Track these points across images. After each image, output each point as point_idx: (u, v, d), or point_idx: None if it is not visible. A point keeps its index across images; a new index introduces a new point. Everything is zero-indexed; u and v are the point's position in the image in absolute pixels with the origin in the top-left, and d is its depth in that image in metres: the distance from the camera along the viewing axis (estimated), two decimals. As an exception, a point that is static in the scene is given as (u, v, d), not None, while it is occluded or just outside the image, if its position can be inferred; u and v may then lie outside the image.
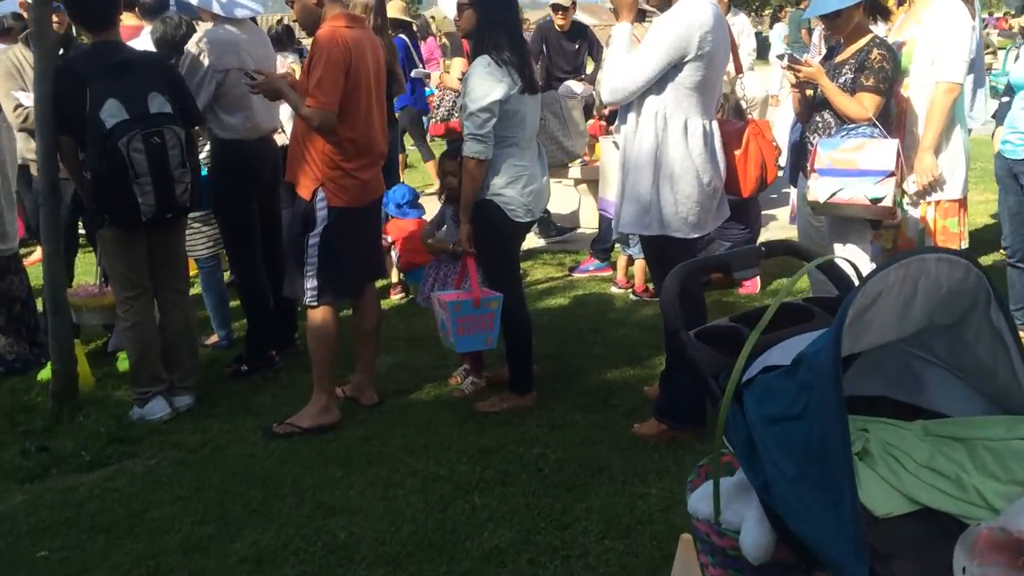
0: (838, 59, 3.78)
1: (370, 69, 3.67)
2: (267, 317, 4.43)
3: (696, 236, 3.52)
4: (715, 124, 3.49)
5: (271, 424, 3.73)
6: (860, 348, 1.59)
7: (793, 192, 4.53)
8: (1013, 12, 10.22)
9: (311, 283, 3.63)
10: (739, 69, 4.04)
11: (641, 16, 4.95)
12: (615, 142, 3.50)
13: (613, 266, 5.80)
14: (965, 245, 3.85)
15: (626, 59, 3.39)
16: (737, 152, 3.59)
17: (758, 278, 5.35)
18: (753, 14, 36.79)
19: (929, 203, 3.81)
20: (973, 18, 4.36)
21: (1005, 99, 4.01)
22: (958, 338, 1.66)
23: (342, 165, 3.61)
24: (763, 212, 6.18)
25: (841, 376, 1.35)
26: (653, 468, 3.24)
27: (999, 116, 4.05)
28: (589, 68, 7.75)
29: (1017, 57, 4.19)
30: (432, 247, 4.14)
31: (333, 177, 3.61)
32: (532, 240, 6.44)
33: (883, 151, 3.54)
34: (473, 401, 3.91)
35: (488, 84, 3.53)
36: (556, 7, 7.40)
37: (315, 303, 3.67)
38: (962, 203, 3.87)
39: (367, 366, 3.98)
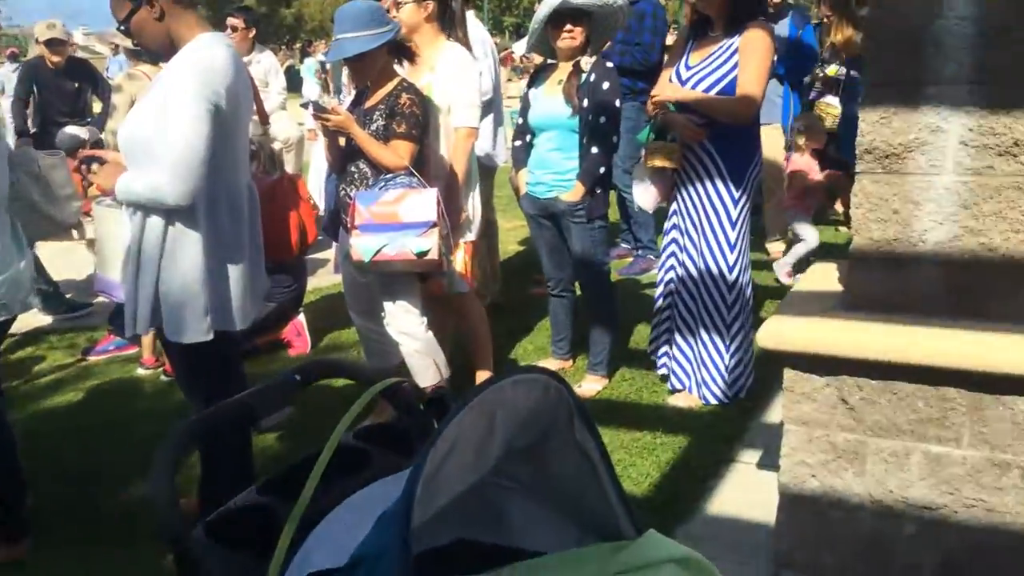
0: (367, 104, 3.52)
1: None
2: None
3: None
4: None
5: None
6: (435, 509, 1.21)
7: (335, 245, 4.19)
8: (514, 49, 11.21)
9: None
10: (264, 119, 3.59)
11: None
12: (110, 204, 2.77)
13: (138, 341, 4.78)
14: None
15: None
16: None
17: (307, 334, 4.93)
18: (284, 48, 36.74)
19: (458, 245, 3.77)
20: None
21: (518, 143, 4.09)
22: (540, 461, 1.37)
23: None
24: (311, 256, 5.82)
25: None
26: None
27: (515, 158, 4.12)
28: (97, 108, 6.74)
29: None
30: None
31: None
32: (36, 318, 5.31)
33: (424, 201, 3.34)
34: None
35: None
36: (51, 42, 6.29)
37: None
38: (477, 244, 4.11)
39: None
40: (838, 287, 2.61)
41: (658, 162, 3.54)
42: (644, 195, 3.80)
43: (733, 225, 3.53)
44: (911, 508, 2.38)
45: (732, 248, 3.58)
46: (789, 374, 2.49)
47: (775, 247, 6.16)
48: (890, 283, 2.41)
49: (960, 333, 2.27)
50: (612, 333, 4.12)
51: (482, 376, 3.90)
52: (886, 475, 2.40)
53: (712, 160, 3.54)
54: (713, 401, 3.76)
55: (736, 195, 3.51)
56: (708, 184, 3.57)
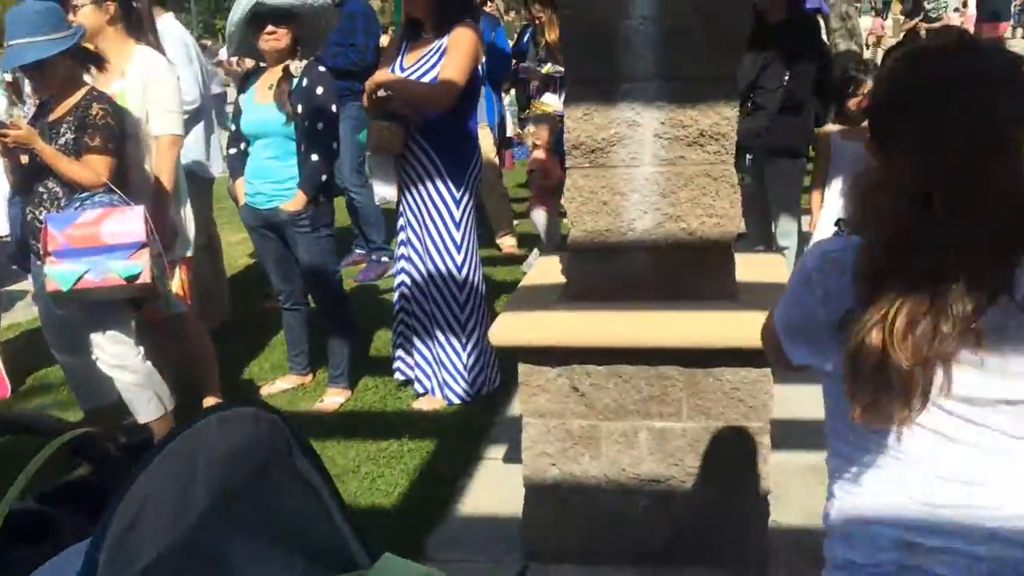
0: (52, 117, 3.17)
1: None
2: None
3: None
4: None
5: None
6: (135, 573, 1.07)
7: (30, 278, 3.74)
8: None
9: None
10: None
11: None
12: None
13: None
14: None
15: None
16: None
17: (4, 377, 4.38)
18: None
19: (173, 264, 3.52)
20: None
21: (233, 151, 3.88)
22: (259, 497, 1.26)
23: None
24: (5, 288, 5.18)
25: None
26: None
27: (231, 167, 3.91)
28: None
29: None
30: None
31: None
32: None
33: (129, 220, 3.07)
34: None
35: None
36: None
37: None
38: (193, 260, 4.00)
39: None
40: (562, 279, 2.70)
41: (379, 144, 3.53)
42: (385, 186, 3.73)
43: (457, 225, 3.56)
44: (643, 483, 2.51)
45: (459, 248, 3.60)
46: (523, 368, 2.54)
47: (505, 241, 6.33)
48: (607, 271, 2.53)
49: (673, 315, 2.42)
50: (351, 342, 4.01)
51: (209, 403, 3.65)
52: (619, 455, 2.51)
53: (431, 161, 3.54)
54: (457, 401, 3.77)
55: (457, 195, 3.54)
56: (429, 185, 3.56)
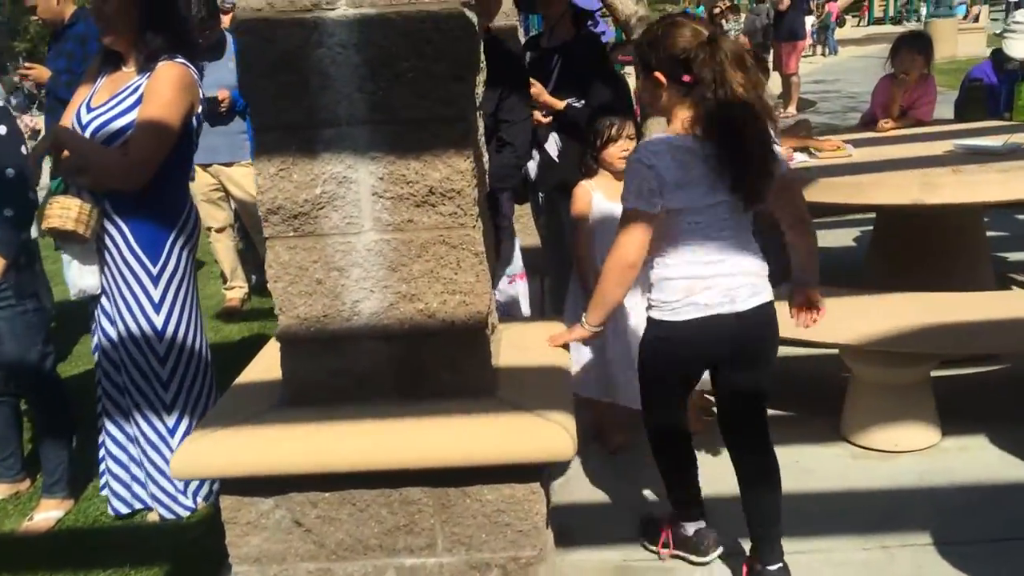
0: None
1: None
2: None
3: None
4: None
5: None
6: None
7: None
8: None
9: None
10: None
11: None
12: None
13: None
14: None
15: None
16: None
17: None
18: None
19: None
20: None
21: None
22: None
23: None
24: None
25: None
26: None
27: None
28: None
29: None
30: None
31: None
32: None
33: None
34: None
35: None
36: None
37: None
38: None
39: None
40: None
41: (54, 222, 2.70)
42: (86, 273, 2.94)
43: (157, 308, 2.82)
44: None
45: (158, 307, 2.84)
46: (226, 502, 1.94)
47: (232, 295, 5.59)
48: (331, 368, 1.96)
49: (416, 423, 1.88)
50: (69, 440, 3.25)
51: None
52: (361, 603, 1.95)
53: (119, 230, 2.81)
54: (182, 513, 3.04)
55: (155, 271, 2.82)
56: (119, 258, 2.82)
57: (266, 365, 2.25)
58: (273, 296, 1.93)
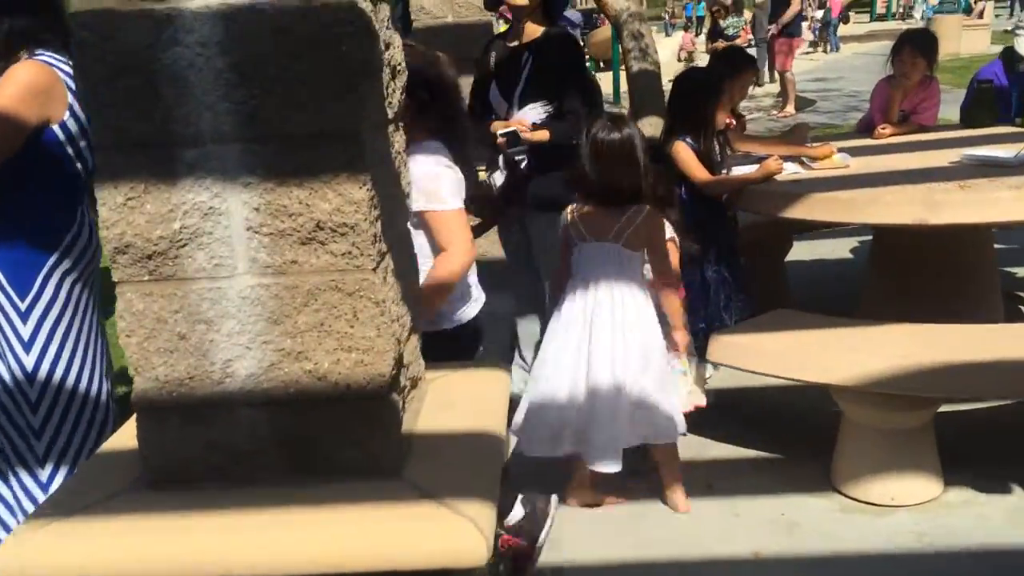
0: None
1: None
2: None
3: None
4: None
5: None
6: None
7: None
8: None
9: None
10: None
11: None
12: None
13: None
14: None
15: None
16: None
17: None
18: None
19: None
20: None
21: None
22: None
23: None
24: None
25: None
26: None
27: None
28: None
29: None
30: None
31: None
32: None
33: None
34: None
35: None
36: None
37: None
38: None
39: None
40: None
41: None
42: None
43: (27, 347, 2.39)
44: None
45: (28, 347, 2.39)
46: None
47: None
48: (200, 441, 1.59)
49: (305, 515, 1.51)
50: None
51: None
52: None
53: None
54: None
55: (23, 304, 2.39)
56: None
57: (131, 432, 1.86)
58: (126, 354, 1.56)
